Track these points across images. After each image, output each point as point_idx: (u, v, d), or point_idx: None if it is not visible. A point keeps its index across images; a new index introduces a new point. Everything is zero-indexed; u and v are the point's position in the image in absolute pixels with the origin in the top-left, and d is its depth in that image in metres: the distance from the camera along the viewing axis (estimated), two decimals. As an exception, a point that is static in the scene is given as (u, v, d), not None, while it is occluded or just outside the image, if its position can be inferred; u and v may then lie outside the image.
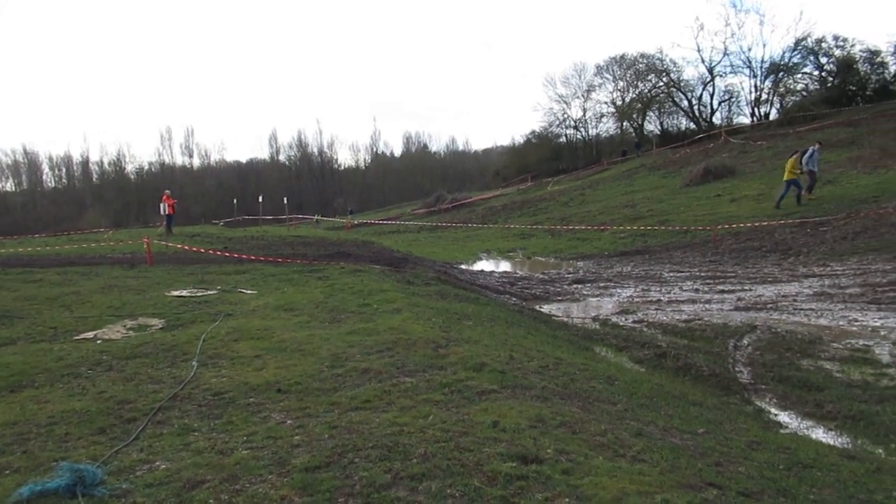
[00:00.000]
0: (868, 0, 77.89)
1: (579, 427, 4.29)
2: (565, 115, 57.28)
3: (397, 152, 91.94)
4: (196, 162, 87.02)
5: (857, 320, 9.27)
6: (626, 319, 10.25)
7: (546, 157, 56.04)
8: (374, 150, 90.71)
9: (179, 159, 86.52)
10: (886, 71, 44.72)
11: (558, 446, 3.92)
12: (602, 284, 14.04)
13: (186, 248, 16.60)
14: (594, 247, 20.31)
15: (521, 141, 62.33)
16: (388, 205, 63.28)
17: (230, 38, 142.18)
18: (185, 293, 10.12)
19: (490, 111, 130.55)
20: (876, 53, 44.72)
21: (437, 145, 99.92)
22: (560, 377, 5.77)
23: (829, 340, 8.23)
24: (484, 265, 19.02)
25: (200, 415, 4.61)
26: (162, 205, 22.48)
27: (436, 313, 8.33)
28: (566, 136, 58.57)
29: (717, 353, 7.90)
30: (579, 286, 13.96)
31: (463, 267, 18.08)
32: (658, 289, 13.01)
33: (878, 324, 8.96)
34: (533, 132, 60.00)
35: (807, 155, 20.17)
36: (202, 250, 16.23)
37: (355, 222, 40.27)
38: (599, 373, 6.31)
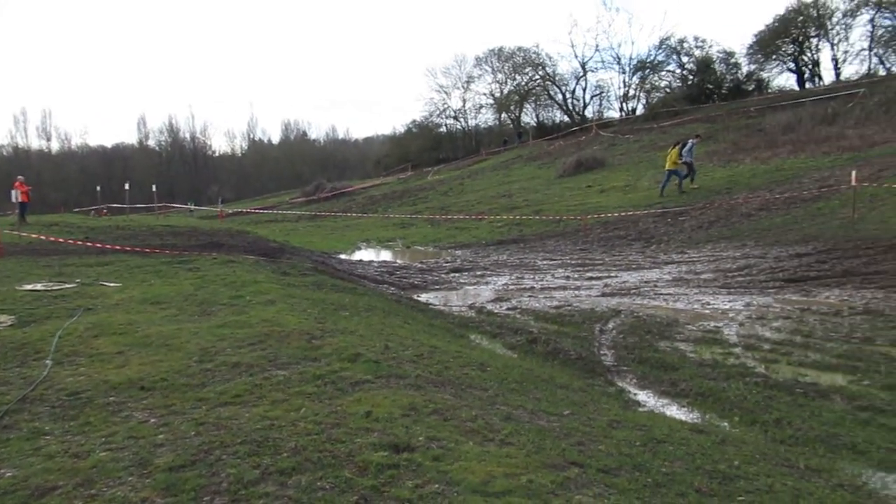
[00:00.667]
0: (724, 6, 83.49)
1: (451, 414, 4.39)
2: (446, 106, 57.97)
3: (275, 139, 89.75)
4: (55, 146, 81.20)
5: (709, 303, 10.00)
6: (500, 307, 10.53)
7: (427, 147, 56.43)
8: (252, 136, 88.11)
9: (35, 143, 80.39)
10: (739, 71, 48.28)
11: (430, 434, 3.99)
12: (479, 273, 14.35)
13: (43, 237, 15.47)
14: (472, 236, 20.70)
15: (402, 130, 62.46)
16: (266, 193, 61.60)
17: (93, 17, 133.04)
18: (39, 287, 9.43)
19: (372, 100, 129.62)
20: (731, 55, 48.23)
21: (317, 133, 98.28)
22: (434, 365, 5.87)
23: (685, 323, 8.82)
24: (363, 255, 18.96)
25: (53, 417, 4.33)
26: (14, 192, 20.76)
27: (311, 304, 8.23)
28: (446, 126, 59.30)
29: (584, 337, 8.28)
30: (457, 275, 14.20)
31: (342, 257, 17.95)
32: (532, 276, 13.45)
33: (727, 306, 9.71)
34: (414, 122, 60.30)
35: (686, 147, 21.51)
36: (61, 240, 15.18)
37: (229, 211, 38.95)
38: (473, 360, 6.46)
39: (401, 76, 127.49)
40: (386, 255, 19.15)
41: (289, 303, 8.07)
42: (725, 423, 5.63)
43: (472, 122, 58.57)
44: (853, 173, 16.09)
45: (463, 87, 57.01)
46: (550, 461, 3.73)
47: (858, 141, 23.10)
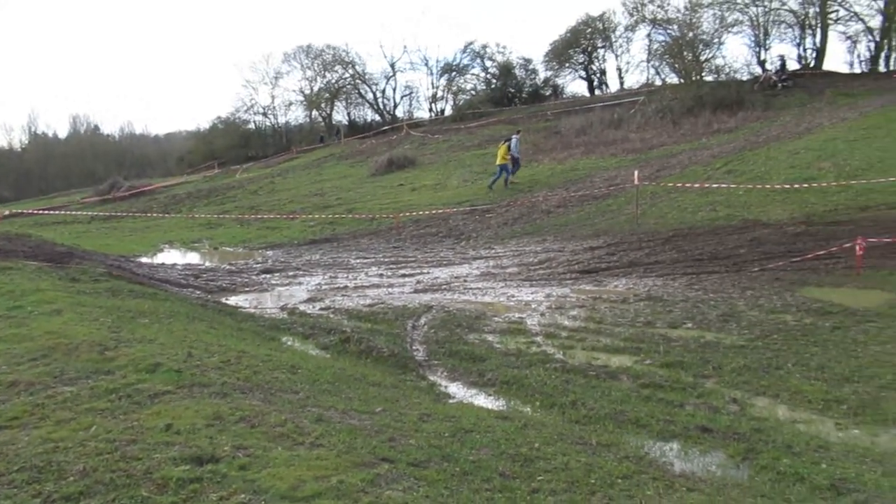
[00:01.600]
0: (523, 16, 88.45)
1: (259, 420, 4.26)
2: (253, 102, 55.95)
3: (63, 134, 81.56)
4: None
5: (513, 296, 10.55)
6: (313, 307, 10.39)
7: (234, 144, 54.09)
8: (33, 130, 79.43)
9: None
10: (538, 77, 51.44)
11: (236, 442, 3.84)
12: (291, 273, 14.05)
13: None
14: (284, 235, 20.21)
15: (207, 126, 59.39)
16: (53, 192, 55.91)
17: None
18: None
19: (173, 94, 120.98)
20: (529, 61, 51.23)
21: (111, 128, 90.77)
22: (242, 371, 5.66)
23: (492, 315, 9.24)
24: (166, 257, 17.83)
25: None
26: None
27: (105, 312, 7.59)
28: (255, 123, 57.27)
29: (396, 334, 8.39)
30: (268, 276, 13.80)
31: (142, 260, 16.73)
32: (345, 275, 13.40)
33: (529, 298, 10.31)
34: (219, 118, 57.55)
35: (512, 143, 22.47)
36: None
37: (6, 213, 34.89)
38: (284, 363, 6.32)
39: (205, 71, 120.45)
40: (192, 258, 18.15)
41: (78, 312, 7.38)
42: (528, 409, 5.97)
43: (282, 120, 57.15)
44: (636, 173, 17.74)
45: (271, 83, 55.46)
46: (361, 459, 3.74)
47: (640, 144, 25.52)
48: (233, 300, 11.43)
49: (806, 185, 15.99)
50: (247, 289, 12.57)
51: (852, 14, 37.01)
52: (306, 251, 17.31)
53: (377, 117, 53.69)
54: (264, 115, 56.52)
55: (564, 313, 9.25)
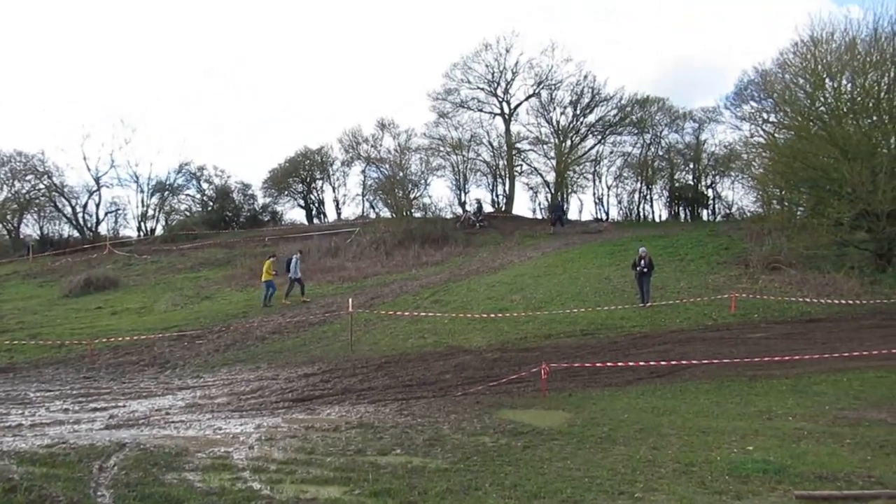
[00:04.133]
0: (245, 142, 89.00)
1: None
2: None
3: None
4: None
5: (221, 428, 9.93)
6: (-27, 452, 8.72)
7: None
8: None
9: None
10: (256, 202, 51.52)
11: None
12: (-53, 411, 11.76)
13: None
14: (-58, 366, 17.00)
15: None
16: None
17: None
18: None
19: None
20: (248, 186, 51.30)
21: None
22: None
23: (195, 451, 8.55)
24: None
25: None
26: None
27: None
28: (-86, 232, 48.68)
29: (79, 478, 7.33)
30: (-86, 416, 11.38)
31: None
32: (20, 411, 11.56)
33: (238, 430, 9.77)
34: None
35: (292, 263, 21.94)
36: None
37: None
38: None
39: None
40: None
41: None
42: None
43: (-46, 230, 49.26)
44: (350, 300, 18.26)
45: (-57, 188, 47.93)
46: None
47: (355, 272, 26.46)
48: None
49: (501, 315, 17.75)
50: None
51: (533, 168, 43.43)
52: (-30, 384, 14.69)
53: (76, 233, 48.93)
54: (-71, 223, 48.32)
55: (275, 444, 8.90)
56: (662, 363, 13.00)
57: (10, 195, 48.04)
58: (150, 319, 21.55)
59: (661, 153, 42.37)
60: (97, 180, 48.12)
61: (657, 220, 42.60)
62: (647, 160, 42.22)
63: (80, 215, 49.25)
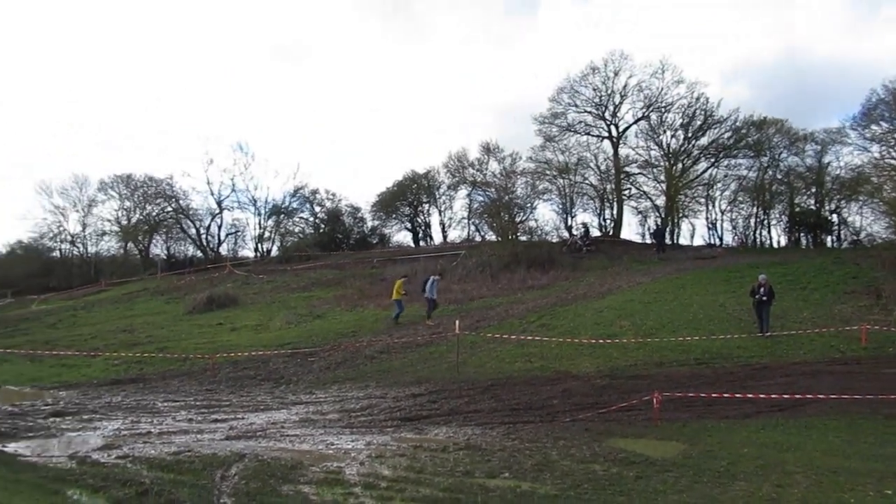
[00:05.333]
0: (352, 167, 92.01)
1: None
2: (61, 228, 52.05)
3: None
4: None
5: (333, 444, 10.20)
6: (108, 455, 9.37)
7: (34, 273, 49.35)
8: None
9: None
10: (365, 225, 53.07)
11: None
12: (86, 417, 12.69)
13: None
14: (82, 374, 18.39)
15: (3, 251, 54.04)
16: None
17: None
18: None
19: None
20: (357, 209, 52.98)
21: None
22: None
23: (309, 464, 8.82)
24: (-68, 396, 15.47)
25: None
26: None
27: None
28: (61, 250, 53.05)
29: (203, 485, 7.73)
30: (58, 419, 12.35)
31: None
32: (150, 420, 12.33)
33: (349, 446, 10.01)
34: (20, 242, 52.71)
35: (428, 284, 22.38)
36: None
37: None
38: (68, 519, 5.57)
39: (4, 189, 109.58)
40: (-36, 397, 15.90)
41: None
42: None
43: (92, 249, 53.40)
44: (457, 322, 18.36)
45: (84, 210, 52.09)
46: None
47: (461, 295, 26.63)
48: (12, 447, 10.06)
49: (609, 341, 17.35)
50: (30, 434, 11.14)
51: (642, 192, 42.41)
52: (107, 392, 15.79)
53: (199, 253, 51.95)
54: (72, 243, 52.60)
55: (384, 462, 9.05)
56: (785, 396, 12.27)
57: (141, 217, 51.71)
58: (267, 336, 22.49)
59: (779, 176, 40.41)
60: (219, 203, 51.06)
61: (775, 246, 40.56)
62: (765, 184, 40.33)
63: (203, 236, 52.29)
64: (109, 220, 52.16)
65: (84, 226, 52.34)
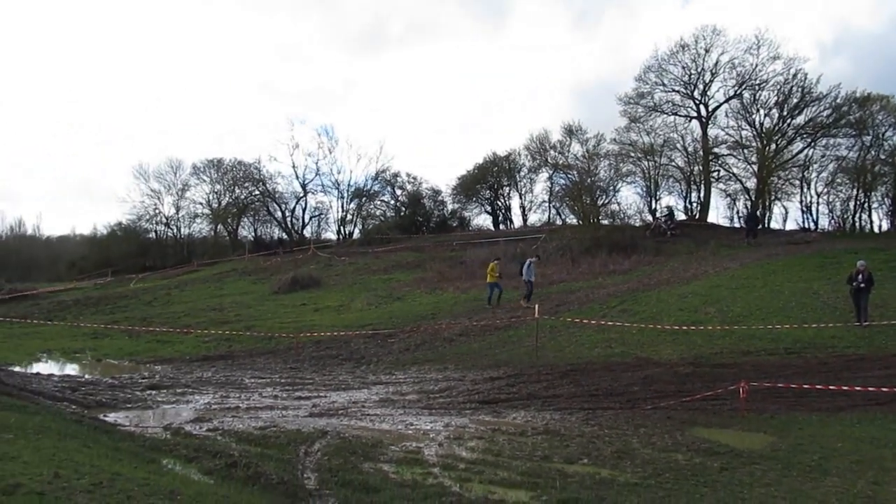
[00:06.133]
0: (434, 149, 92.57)
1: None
2: (157, 211, 54.58)
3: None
4: None
5: (412, 424, 10.33)
6: (200, 428, 9.80)
7: (132, 253, 52.13)
8: None
9: None
10: (445, 208, 53.26)
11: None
12: (179, 390, 13.32)
13: None
14: (176, 350, 19.32)
15: (105, 232, 57.12)
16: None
17: None
18: None
19: (65, 194, 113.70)
20: (438, 192, 53.22)
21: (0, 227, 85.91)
22: (115, 495, 5.18)
23: (389, 444, 8.97)
24: (43, 368, 16.58)
25: None
26: None
27: (-37, 425, 6.89)
28: (157, 232, 55.68)
29: (288, 459, 7.98)
30: (153, 392, 13.02)
31: (15, 369, 15.49)
32: (238, 395, 12.82)
33: (428, 427, 10.11)
34: (119, 224, 55.51)
35: (525, 266, 22.27)
36: None
37: None
38: (162, 487, 5.84)
39: (103, 171, 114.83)
40: (72, 369, 16.97)
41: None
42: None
43: (185, 231, 55.80)
44: (536, 307, 18.21)
45: (178, 193, 54.42)
46: None
47: (541, 279, 26.32)
48: (112, 417, 10.66)
49: (693, 328, 16.84)
50: (129, 405, 11.77)
51: (731, 174, 40.78)
52: (198, 368, 16.53)
53: (284, 235, 53.48)
54: (167, 225, 55.12)
55: (463, 444, 9.10)
56: (884, 389, 11.60)
57: (230, 200, 53.58)
58: (348, 317, 22.98)
59: (883, 157, 37.96)
60: (304, 187, 52.30)
61: (876, 230, 38.28)
62: (867, 165, 37.96)
63: (288, 219, 53.74)
64: (201, 203, 54.40)
65: (178, 208, 54.76)
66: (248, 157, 61.25)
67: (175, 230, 55.56)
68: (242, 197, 53.67)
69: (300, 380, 14.64)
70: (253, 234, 55.30)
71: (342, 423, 10.36)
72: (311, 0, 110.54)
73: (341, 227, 52.49)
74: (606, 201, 38.75)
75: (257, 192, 53.31)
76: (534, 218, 49.55)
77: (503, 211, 51.57)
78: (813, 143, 38.31)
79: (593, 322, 18.11)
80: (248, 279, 35.52)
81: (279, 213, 54.05)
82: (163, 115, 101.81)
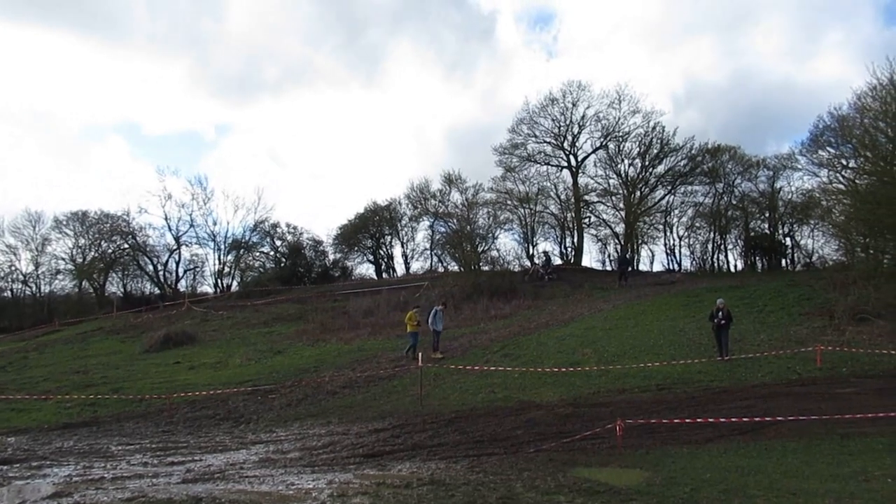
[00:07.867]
0: (314, 200, 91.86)
1: None
2: (13, 268, 50.55)
3: None
4: None
5: (294, 484, 9.94)
6: (58, 504, 9.00)
7: (-17, 315, 47.94)
8: None
9: None
10: (327, 258, 52.70)
11: None
12: (35, 464, 12.20)
13: None
14: (33, 419, 17.74)
15: (-48, 292, 52.15)
16: None
17: None
18: None
19: None
20: (319, 242, 52.64)
21: None
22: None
23: (269, 506, 8.58)
24: None
25: None
26: None
27: None
28: (13, 290, 51.44)
29: (157, 532, 7.46)
30: (5, 468, 11.83)
31: None
32: (103, 465, 11.90)
33: (311, 486, 9.76)
34: (-30, 284, 50.97)
35: (431, 315, 21.33)
36: None
37: None
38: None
39: None
40: None
41: None
42: None
43: (45, 289, 51.88)
44: (419, 355, 18.23)
45: (37, 249, 50.68)
46: None
47: (425, 326, 26.45)
48: (-47, 499, 9.60)
49: (572, 369, 17.39)
50: (-25, 484, 10.65)
51: (601, 220, 43.03)
52: (58, 437, 15.24)
53: (157, 290, 50.92)
54: (24, 283, 51.09)
55: (347, 501, 8.84)
56: (745, 419, 12.41)
57: (97, 255, 50.53)
58: (226, 374, 22.04)
59: (734, 202, 41.42)
60: (177, 239, 50.27)
61: (732, 270, 41.39)
62: (720, 209, 41.30)
63: (161, 273, 51.33)
64: (63, 259, 50.88)
65: (37, 264, 50.92)
66: (115, 209, 58.09)
67: (34, 288, 51.59)
68: (110, 251, 50.76)
69: (173, 444, 13.81)
70: (122, 289, 52.29)
71: (218, 487, 9.83)
72: (178, 43, 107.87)
73: (218, 280, 50.69)
74: (486, 248, 39.74)
75: (126, 246, 50.61)
76: (416, 266, 49.96)
77: (385, 259, 51.69)
78: (673, 191, 41.34)
79: (476, 368, 18.31)
80: (116, 338, 33.41)
81: (150, 267, 51.53)
82: (19, 162, 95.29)
